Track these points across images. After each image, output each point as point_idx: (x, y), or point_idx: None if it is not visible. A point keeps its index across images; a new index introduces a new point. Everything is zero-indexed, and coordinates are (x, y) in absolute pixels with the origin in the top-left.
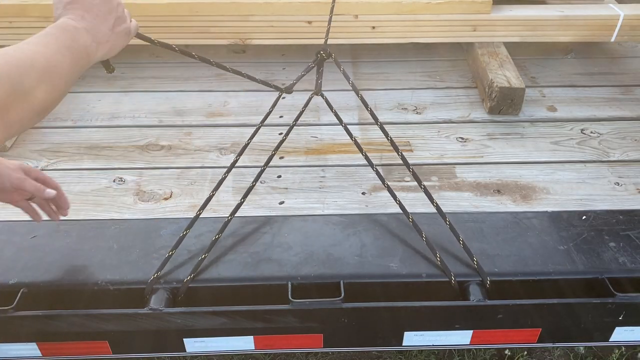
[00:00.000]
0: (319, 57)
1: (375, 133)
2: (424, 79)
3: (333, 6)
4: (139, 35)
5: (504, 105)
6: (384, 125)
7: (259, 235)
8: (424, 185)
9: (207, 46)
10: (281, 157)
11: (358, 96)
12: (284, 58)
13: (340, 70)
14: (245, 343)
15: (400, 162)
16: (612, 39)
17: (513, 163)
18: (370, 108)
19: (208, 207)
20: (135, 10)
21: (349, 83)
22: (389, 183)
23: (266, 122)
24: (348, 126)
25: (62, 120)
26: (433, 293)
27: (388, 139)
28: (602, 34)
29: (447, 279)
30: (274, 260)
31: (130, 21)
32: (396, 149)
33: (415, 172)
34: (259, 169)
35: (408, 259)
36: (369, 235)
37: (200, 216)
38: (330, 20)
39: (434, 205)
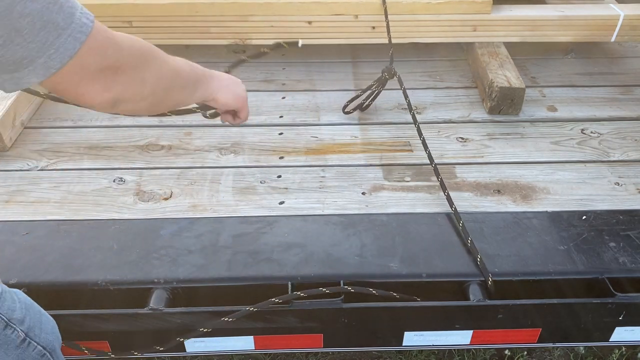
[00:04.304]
0: (383, 77)
1: (375, 133)
2: (424, 79)
3: (385, 7)
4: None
5: (504, 105)
6: (384, 126)
7: (259, 235)
8: (441, 179)
9: (207, 46)
10: (281, 157)
11: (406, 100)
12: (284, 58)
13: (401, 88)
14: (245, 343)
15: (400, 162)
16: (612, 39)
17: (513, 163)
18: (413, 111)
19: (208, 207)
20: (135, 10)
21: (406, 101)
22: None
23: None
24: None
25: (62, 120)
26: (433, 293)
27: (415, 126)
28: (602, 34)
29: (447, 279)
30: (274, 260)
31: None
32: (419, 132)
33: (437, 168)
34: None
35: (408, 259)
36: (369, 235)
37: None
38: (388, 27)
39: (445, 194)
